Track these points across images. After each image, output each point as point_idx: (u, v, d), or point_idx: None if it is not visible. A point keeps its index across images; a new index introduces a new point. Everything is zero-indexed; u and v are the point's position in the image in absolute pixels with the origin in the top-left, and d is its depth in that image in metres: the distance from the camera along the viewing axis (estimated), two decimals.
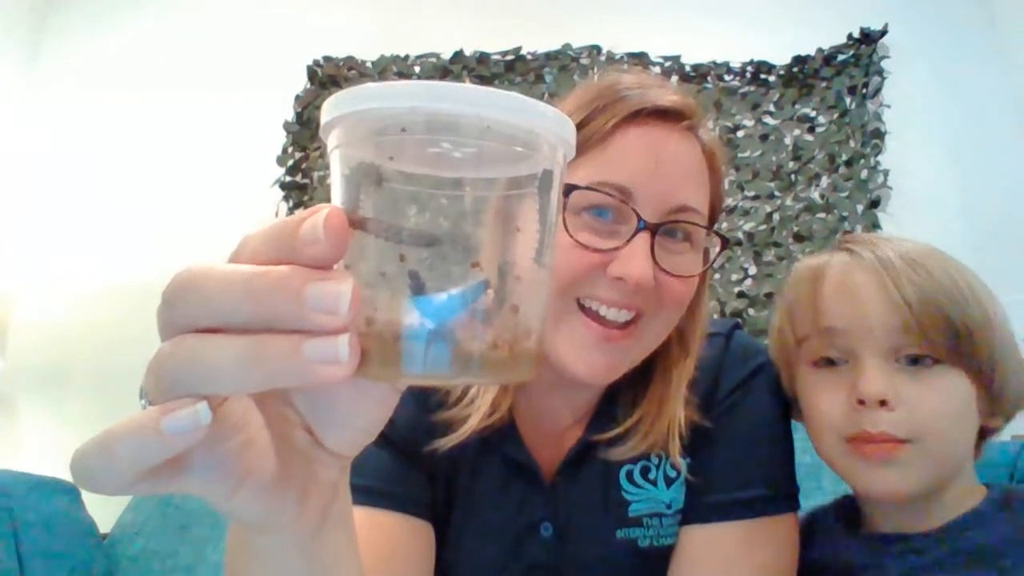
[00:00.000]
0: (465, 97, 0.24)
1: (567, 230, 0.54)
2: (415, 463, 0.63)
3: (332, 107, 0.26)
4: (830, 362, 0.60)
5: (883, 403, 0.55)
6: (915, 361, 0.57)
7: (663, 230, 0.56)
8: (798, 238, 1.84)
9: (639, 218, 0.54)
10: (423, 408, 0.64)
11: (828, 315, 0.60)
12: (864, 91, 1.92)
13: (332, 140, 0.27)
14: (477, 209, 0.26)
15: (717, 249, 0.62)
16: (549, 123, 0.26)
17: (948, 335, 0.56)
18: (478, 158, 0.25)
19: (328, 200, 0.26)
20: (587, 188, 0.55)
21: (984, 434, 0.61)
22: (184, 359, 0.23)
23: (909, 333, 0.56)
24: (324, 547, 0.32)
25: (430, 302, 0.25)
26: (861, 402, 0.56)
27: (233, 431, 0.26)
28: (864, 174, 1.85)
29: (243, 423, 0.27)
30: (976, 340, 0.56)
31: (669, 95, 0.58)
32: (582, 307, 0.56)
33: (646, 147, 0.56)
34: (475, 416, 0.61)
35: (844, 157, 1.88)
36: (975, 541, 0.55)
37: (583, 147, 0.55)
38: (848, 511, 0.68)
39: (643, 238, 0.54)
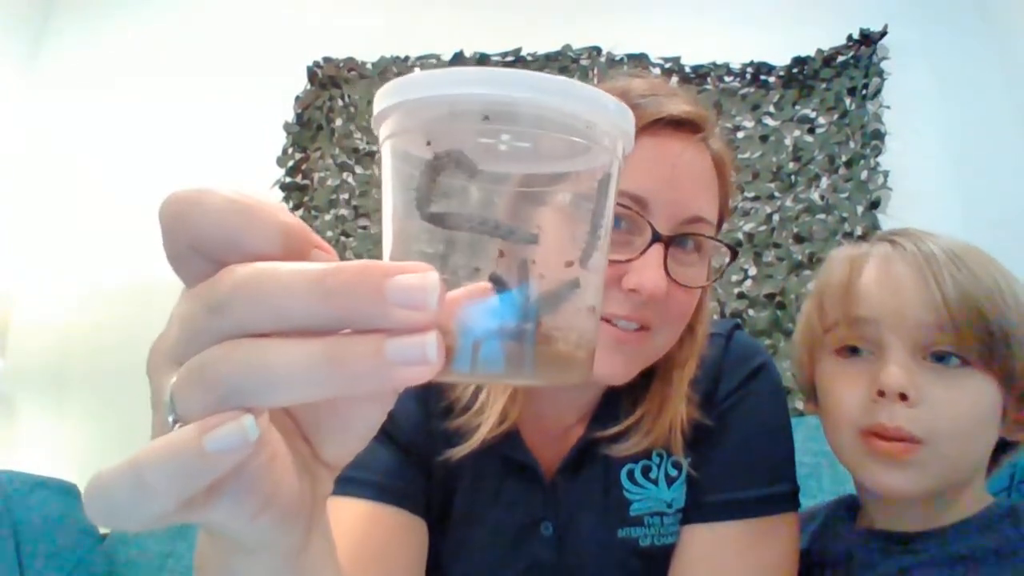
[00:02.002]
0: (557, 88, 0.23)
1: None
2: (416, 461, 0.63)
3: (407, 89, 0.24)
4: (855, 352, 0.59)
5: (903, 397, 0.53)
6: (941, 359, 0.55)
7: (675, 241, 0.56)
8: (798, 239, 1.84)
9: (654, 230, 0.54)
10: (426, 412, 0.64)
11: (861, 304, 0.58)
12: (864, 92, 1.91)
13: (391, 126, 0.25)
14: (571, 206, 0.25)
15: (727, 260, 0.62)
16: (611, 115, 0.25)
17: (983, 337, 0.54)
18: (558, 152, 0.24)
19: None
20: None
21: (1005, 448, 0.59)
22: (245, 366, 0.20)
23: (942, 331, 0.54)
24: (306, 560, 0.30)
25: (514, 302, 0.24)
26: (881, 394, 0.54)
27: (260, 445, 0.22)
28: (864, 175, 1.85)
29: (267, 437, 0.23)
30: (1012, 345, 0.54)
31: (683, 105, 0.58)
32: None
33: (661, 158, 0.56)
34: (485, 426, 0.61)
35: (844, 158, 1.87)
36: (974, 545, 0.54)
37: None
38: (849, 508, 0.68)
39: (657, 250, 0.54)
